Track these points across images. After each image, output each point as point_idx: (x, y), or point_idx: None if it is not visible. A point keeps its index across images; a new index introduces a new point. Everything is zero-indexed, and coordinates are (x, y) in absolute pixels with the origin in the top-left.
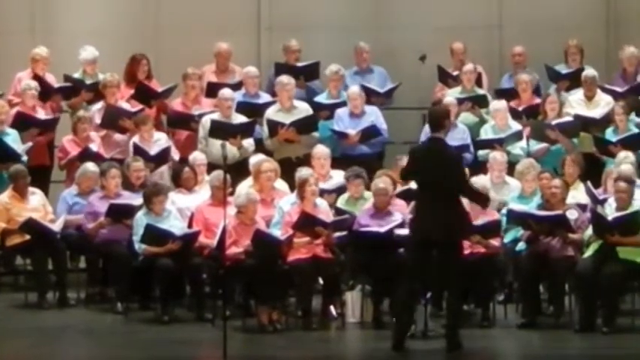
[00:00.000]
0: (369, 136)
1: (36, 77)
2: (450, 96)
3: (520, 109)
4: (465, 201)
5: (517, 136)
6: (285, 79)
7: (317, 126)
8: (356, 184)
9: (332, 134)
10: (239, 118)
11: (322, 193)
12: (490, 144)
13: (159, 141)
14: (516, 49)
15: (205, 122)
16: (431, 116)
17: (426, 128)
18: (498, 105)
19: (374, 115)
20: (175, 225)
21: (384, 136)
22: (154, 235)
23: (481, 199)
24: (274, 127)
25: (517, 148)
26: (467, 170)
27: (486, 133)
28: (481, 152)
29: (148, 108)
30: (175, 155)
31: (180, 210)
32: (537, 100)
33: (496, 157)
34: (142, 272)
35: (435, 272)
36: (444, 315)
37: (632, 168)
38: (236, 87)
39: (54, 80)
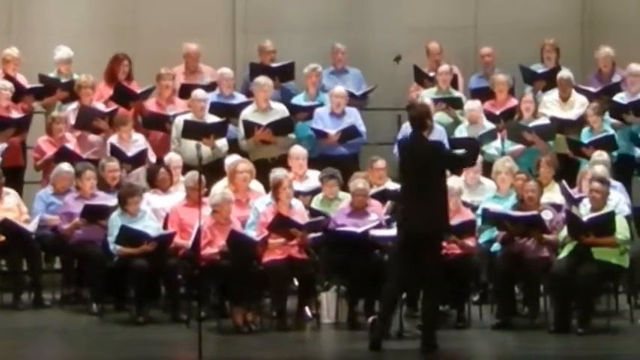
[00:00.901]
0: (349, 137)
1: (7, 78)
2: (426, 97)
3: (497, 112)
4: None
5: (491, 135)
6: (262, 79)
7: (293, 127)
8: (330, 184)
9: (310, 135)
10: (212, 119)
11: (298, 194)
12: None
13: (137, 142)
14: (485, 49)
15: (178, 123)
16: (412, 116)
17: (403, 129)
18: (472, 105)
19: (353, 117)
20: (150, 226)
21: (363, 138)
22: (128, 236)
23: (470, 156)
24: (250, 128)
25: (492, 148)
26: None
27: (461, 133)
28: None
29: (127, 109)
30: (152, 157)
31: (156, 211)
32: (513, 102)
33: None
34: (117, 273)
35: (414, 273)
36: (419, 315)
37: (606, 168)
38: (208, 88)
39: (25, 81)
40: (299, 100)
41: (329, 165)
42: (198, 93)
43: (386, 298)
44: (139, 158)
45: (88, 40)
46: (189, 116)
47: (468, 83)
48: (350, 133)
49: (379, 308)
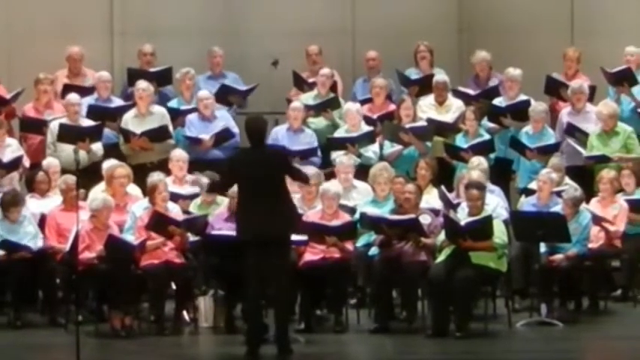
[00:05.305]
0: (223, 140)
1: None
2: (303, 101)
3: (375, 116)
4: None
5: (369, 137)
6: (143, 84)
7: (170, 134)
8: None
9: (184, 139)
10: (87, 123)
11: (177, 198)
12: (342, 143)
13: (10, 147)
14: (370, 53)
15: (53, 128)
16: (252, 129)
17: (273, 134)
18: (351, 107)
19: (225, 120)
20: (29, 231)
21: (237, 140)
22: (9, 249)
23: (303, 177)
24: (127, 135)
25: (370, 151)
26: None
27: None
28: (334, 156)
29: None
30: (26, 162)
31: (34, 215)
32: (391, 107)
33: (342, 160)
34: None
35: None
36: (297, 319)
37: (483, 174)
38: (90, 90)
39: None
40: (174, 104)
41: (205, 169)
42: (72, 97)
43: (247, 303)
44: (14, 163)
45: None
46: (64, 120)
47: (352, 87)
48: (224, 135)
49: (246, 317)
